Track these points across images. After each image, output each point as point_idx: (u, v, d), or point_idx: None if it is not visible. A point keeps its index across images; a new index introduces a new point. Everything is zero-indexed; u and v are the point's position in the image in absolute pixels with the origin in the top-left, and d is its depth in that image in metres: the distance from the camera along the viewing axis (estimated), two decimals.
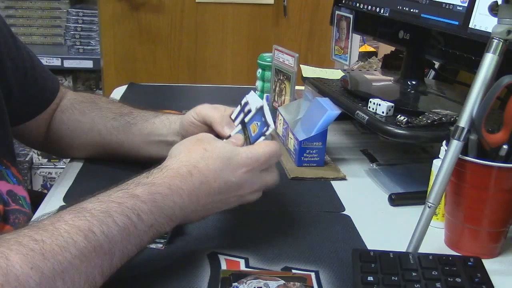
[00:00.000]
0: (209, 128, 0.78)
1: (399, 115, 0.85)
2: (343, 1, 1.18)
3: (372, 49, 2.24)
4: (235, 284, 0.61)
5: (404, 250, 0.67)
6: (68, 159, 0.97)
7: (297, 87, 1.13)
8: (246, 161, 0.66)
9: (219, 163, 0.65)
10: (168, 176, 0.62)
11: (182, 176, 0.63)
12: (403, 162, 1.02)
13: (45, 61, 2.27)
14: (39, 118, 0.90)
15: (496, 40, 0.66)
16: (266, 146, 0.68)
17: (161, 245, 0.69)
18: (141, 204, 0.58)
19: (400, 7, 0.99)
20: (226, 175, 0.65)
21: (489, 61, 0.66)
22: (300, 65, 1.20)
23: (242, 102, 0.77)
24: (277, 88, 1.18)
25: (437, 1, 0.90)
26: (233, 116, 0.77)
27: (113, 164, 0.91)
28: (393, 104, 0.88)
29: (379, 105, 0.89)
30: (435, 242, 0.74)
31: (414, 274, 0.60)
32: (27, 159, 2.37)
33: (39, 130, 0.92)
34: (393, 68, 1.27)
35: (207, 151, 0.65)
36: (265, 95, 1.28)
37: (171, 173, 0.62)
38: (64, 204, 0.79)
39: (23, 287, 0.47)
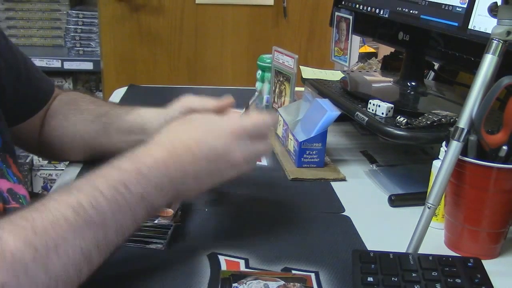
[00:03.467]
0: None
1: (399, 116, 0.85)
2: (343, 2, 1.18)
3: (372, 50, 2.24)
4: (235, 284, 0.61)
5: (404, 251, 0.67)
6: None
7: (297, 89, 1.13)
8: (232, 127, 0.66)
9: (202, 131, 0.65)
10: (152, 149, 0.63)
11: (165, 147, 0.63)
12: (403, 163, 1.02)
13: (45, 62, 2.27)
14: (33, 120, 0.90)
15: (495, 41, 0.66)
16: (255, 115, 0.69)
17: (161, 245, 0.69)
18: (127, 176, 0.58)
19: (400, 8, 0.99)
20: (210, 142, 0.65)
21: (488, 62, 0.66)
22: (300, 66, 1.20)
23: (250, 102, 0.79)
24: (277, 90, 1.18)
25: (437, 2, 0.90)
26: None
27: None
28: (392, 105, 0.88)
29: (379, 106, 0.89)
30: (435, 243, 0.74)
31: (414, 275, 0.60)
32: (27, 160, 2.38)
33: (34, 133, 0.92)
34: (393, 69, 1.27)
35: (191, 123, 0.66)
36: (265, 96, 1.28)
37: (155, 147, 0.63)
38: None
39: (19, 263, 0.48)
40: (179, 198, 0.66)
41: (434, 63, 1.18)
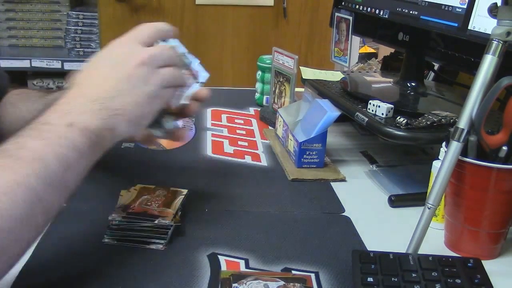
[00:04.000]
0: None
1: (399, 117, 0.85)
2: (343, 3, 1.18)
3: (372, 50, 2.24)
4: (235, 285, 0.61)
5: (404, 251, 0.67)
6: None
7: (297, 89, 1.13)
8: (135, 57, 0.65)
9: (104, 63, 0.66)
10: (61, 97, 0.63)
11: (73, 86, 0.63)
12: (403, 164, 1.02)
13: (45, 63, 2.28)
14: None
15: (495, 42, 0.66)
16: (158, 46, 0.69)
17: (161, 245, 0.69)
18: (44, 116, 0.59)
19: (400, 9, 1.00)
20: (108, 51, 0.66)
21: (488, 62, 0.66)
22: (300, 67, 1.20)
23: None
24: (277, 90, 1.18)
25: (437, 3, 0.91)
26: None
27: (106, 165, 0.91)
28: (392, 106, 0.88)
29: (379, 106, 0.89)
30: (435, 243, 0.74)
31: (414, 275, 0.60)
32: None
33: None
34: (393, 69, 1.27)
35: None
36: (265, 97, 1.28)
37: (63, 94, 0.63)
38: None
39: None
40: (128, 120, 0.63)
41: (434, 63, 1.19)
